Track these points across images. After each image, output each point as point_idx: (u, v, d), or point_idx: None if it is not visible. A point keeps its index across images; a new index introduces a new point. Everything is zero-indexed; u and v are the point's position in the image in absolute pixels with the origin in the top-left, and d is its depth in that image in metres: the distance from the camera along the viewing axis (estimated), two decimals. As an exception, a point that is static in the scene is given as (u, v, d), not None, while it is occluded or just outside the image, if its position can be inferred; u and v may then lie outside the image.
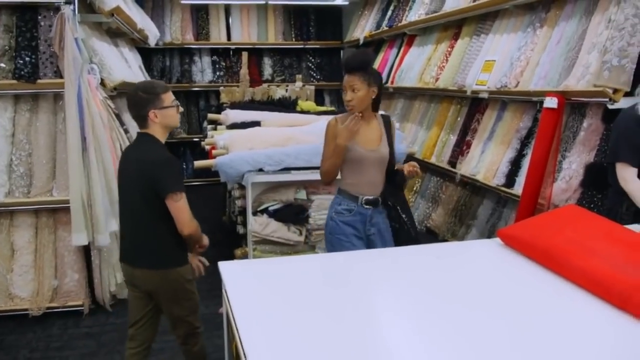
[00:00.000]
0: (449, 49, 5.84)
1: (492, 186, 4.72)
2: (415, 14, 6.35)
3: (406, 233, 3.09)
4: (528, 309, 1.74)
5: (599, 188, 3.58)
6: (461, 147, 5.45)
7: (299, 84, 6.79)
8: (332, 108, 6.06)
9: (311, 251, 4.40)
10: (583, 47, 3.73)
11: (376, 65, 7.96)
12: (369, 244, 3.07)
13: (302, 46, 9.15)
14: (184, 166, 8.96)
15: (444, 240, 5.64)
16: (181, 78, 8.73)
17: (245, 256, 4.69)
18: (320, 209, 4.36)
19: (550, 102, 3.74)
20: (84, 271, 4.17)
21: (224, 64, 8.94)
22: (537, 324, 1.62)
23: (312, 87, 6.72)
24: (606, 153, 3.59)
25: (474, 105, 5.52)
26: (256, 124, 5.15)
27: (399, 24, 6.82)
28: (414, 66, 6.59)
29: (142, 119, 2.58)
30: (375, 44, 8.43)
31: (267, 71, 9.04)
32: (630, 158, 2.88)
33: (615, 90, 3.37)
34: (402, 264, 2.18)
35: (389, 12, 7.36)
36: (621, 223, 2.91)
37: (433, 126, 6.15)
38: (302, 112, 5.84)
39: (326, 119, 4.94)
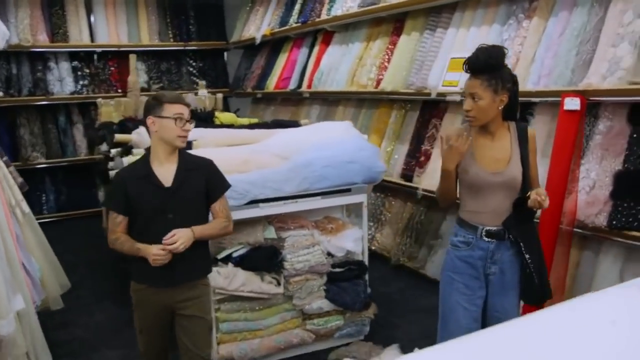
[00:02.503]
0: (390, 47, 5.36)
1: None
2: (342, 7, 5.79)
3: (527, 278, 2.54)
4: None
5: (636, 198, 3.29)
6: (417, 158, 5.00)
7: (203, 92, 5.90)
8: (256, 120, 5.28)
9: (288, 303, 3.63)
10: (601, 39, 3.43)
11: (279, 67, 7.30)
12: (488, 285, 2.59)
13: (181, 48, 8.17)
14: (44, 199, 7.53)
15: (399, 264, 5.16)
16: (34, 89, 7.27)
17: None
18: (297, 248, 3.61)
19: (572, 104, 3.39)
20: (-22, 374, 2.99)
21: (87, 70, 7.65)
22: None
23: (221, 96, 5.87)
24: (639, 160, 3.31)
25: (427, 110, 5.10)
26: (187, 144, 4.23)
27: (317, 19, 6.22)
28: (339, 67, 6.03)
29: (146, 128, 2.58)
30: (272, 44, 7.75)
31: (142, 77, 7.91)
32: None
33: (656, 87, 3.10)
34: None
35: (297, 6, 6.73)
36: None
37: (370, 134, 5.61)
38: (223, 125, 5.01)
39: (267, 133, 4.23)
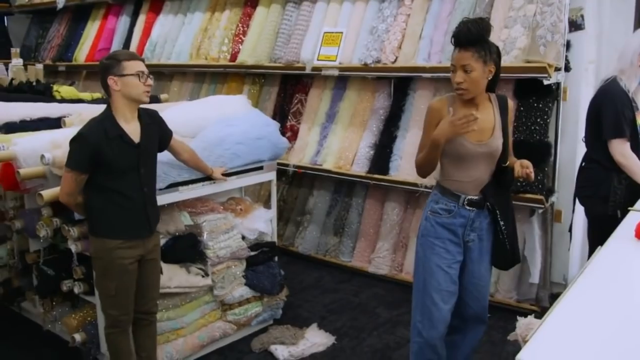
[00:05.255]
0: (244, 18, 5.12)
1: (358, 175, 4.39)
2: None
3: (500, 244, 2.62)
4: None
5: (528, 165, 3.69)
6: (283, 134, 4.88)
7: (18, 61, 4.98)
8: (99, 95, 4.59)
9: (208, 295, 3.30)
10: (492, 20, 3.72)
11: (90, 37, 6.49)
12: (465, 251, 2.62)
13: (-50, 8, 6.75)
14: None
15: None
16: None
17: (89, 325, 3.21)
18: (216, 234, 3.29)
19: (472, 79, 3.64)
20: None
21: None
22: None
23: (41, 67, 5.01)
24: (528, 130, 3.72)
25: (289, 84, 5.02)
26: (50, 121, 3.56)
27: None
28: (178, 38, 5.58)
29: (105, 89, 2.59)
30: (73, 10, 6.82)
31: None
32: (627, 133, 3.02)
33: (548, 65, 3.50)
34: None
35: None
36: (615, 196, 3.11)
37: (220, 111, 5.33)
38: (64, 100, 4.32)
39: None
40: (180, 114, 3.55)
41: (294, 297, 4.08)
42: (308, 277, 4.54)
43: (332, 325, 3.71)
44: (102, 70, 2.55)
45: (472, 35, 2.42)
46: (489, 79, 2.51)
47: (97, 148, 2.50)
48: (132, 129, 2.60)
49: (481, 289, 2.70)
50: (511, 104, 2.67)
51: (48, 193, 2.76)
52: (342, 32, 4.44)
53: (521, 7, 3.63)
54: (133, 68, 2.52)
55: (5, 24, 7.49)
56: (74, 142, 2.54)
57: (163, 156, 3.02)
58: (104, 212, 2.62)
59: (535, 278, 3.79)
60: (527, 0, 3.62)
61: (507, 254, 2.66)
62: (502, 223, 2.61)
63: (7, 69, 5.02)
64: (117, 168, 2.57)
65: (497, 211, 2.61)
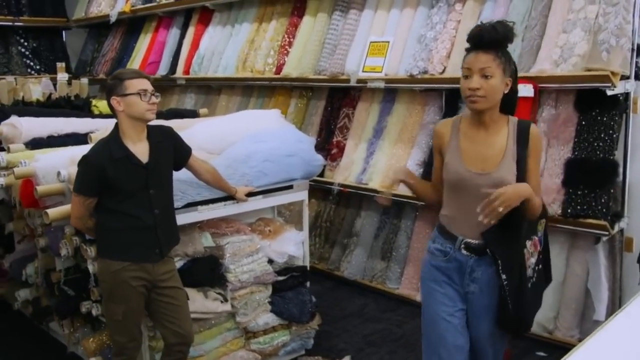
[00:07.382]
0: (290, 28, 5.09)
1: (403, 195, 4.20)
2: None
3: (502, 301, 2.24)
4: None
5: (590, 186, 3.41)
6: (329, 151, 4.80)
7: (63, 75, 5.14)
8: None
9: (230, 321, 3.23)
10: (549, 24, 3.51)
11: (141, 50, 6.66)
12: (467, 303, 2.33)
13: (10, 23, 7.13)
14: None
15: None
16: None
17: (107, 349, 3.21)
18: (239, 257, 3.23)
19: (526, 90, 3.41)
20: None
21: None
22: None
23: (86, 81, 5.16)
24: (590, 147, 3.44)
25: (337, 98, 4.92)
26: (78, 137, 3.63)
27: (197, -5, 5.75)
28: (225, 51, 5.62)
29: (111, 109, 2.62)
30: (128, 24, 7.04)
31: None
32: None
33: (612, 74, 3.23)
34: None
35: (168, -20, 6.16)
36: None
37: (265, 126, 5.31)
38: (101, 115, 4.41)
39: (181, 124, 3.77)
40: (208, 129, 3.54)
41: (332, 326, 3.96)
42: (351, 304, 4.39)
43: (368, 358, 3.55)
44: (107, 91, 2.60)
45: (498, 35, 2.13)
46: (505, 93, 2.20)
47: (101, 170, 2.53)
48: (140, 149, 2.62)
49: (486, 353, 2.36)
50: (535, 132, 2.24)
51: (54, 211, 2.79)
52: (388, 42, 4.31)
53: (582, 8, 3.38)
54: (135, 87, 2.53)
55: (64, 38, 7.82)
56: (79, 165, 2.58)
57: (181, 174, 3.00)
58: (110, 233, 2.64)
59: (600, 315, 3.48)
60: (589, 1, 3.36)
61: (508, 315, 2.23)
62: (504, 276, 2.20)
63: (54, 84, 5.19)
64: (125, 190, 2.59)
65: (499, 261, 2.21)
